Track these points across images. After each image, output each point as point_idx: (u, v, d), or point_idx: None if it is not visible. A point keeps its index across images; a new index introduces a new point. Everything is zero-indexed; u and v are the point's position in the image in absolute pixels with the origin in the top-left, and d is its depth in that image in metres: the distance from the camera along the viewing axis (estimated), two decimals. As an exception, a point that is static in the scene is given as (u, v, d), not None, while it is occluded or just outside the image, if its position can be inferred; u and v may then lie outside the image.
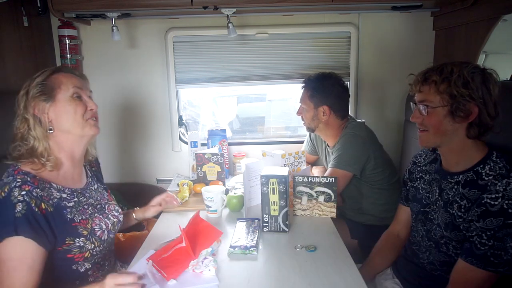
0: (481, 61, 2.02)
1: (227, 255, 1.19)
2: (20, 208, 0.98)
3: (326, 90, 1.75)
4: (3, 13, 1.66)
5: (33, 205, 1.00)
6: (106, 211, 1.25)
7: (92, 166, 1.35)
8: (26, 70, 1.83)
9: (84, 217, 1.13)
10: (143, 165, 2.26)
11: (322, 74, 1.79)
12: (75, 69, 1.23)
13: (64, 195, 1.12)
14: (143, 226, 1.78)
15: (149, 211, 1.47)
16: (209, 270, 1.08)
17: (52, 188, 1.10)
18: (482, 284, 1.02)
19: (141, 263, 1.14)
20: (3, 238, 0.97)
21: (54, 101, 1.12)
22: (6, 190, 1.00)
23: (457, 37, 1.90)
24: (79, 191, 1.19)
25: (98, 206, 1.23)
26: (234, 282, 1.05)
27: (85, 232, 1.11)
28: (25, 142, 1.10)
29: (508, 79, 1.95)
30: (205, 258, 1.12)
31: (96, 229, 1.15)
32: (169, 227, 1.43)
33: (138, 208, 1.51)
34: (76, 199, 1.15)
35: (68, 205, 1.11)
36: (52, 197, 1.08)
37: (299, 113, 1.86)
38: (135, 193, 2.13)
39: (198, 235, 1.21)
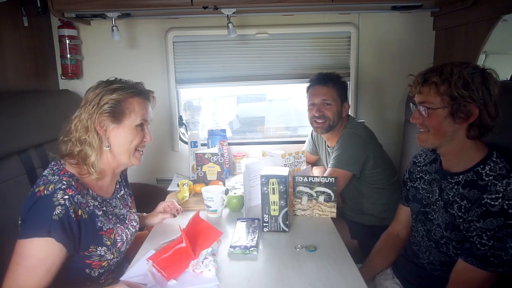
0: (481, 61, 2.02)
1: (227, 255, 1.19)
2: (59, 212, 0.99)
3: (345, 87, 1.83)
4: (3, 13, 1.66)
5: (71, 210, 1.01)
6: (127, 221, 1.26)
7: (123, 171, 1.37)
8: (26, 70, 1.83)
9: (110, 227, 1.14)
10: (143, 165, 2.21)
11: (332, 72, 1.82)
12: (150, 92, 1.22)
13: (96, 203, 1.13)
14: (143, 226, 1.78)
15: (157, 217, 1.46)
16: (209, 270, 1.07)
17: (88, 195, 1.11)
18: (482, 284, 1.02)
19: (141, 263, 1.14)
20: (35, 237, 0.97)
21: (119, 124, 1.13)
22: (50, 189, 1.01)
23: (457, 37, 1.90)
24: (107, 200, 1.20)
25: (121, 216, 1.24)
26: (234, 282, 1.05)
27: (108, 243, 1.12)
28: (79, 144, 1.11)
29: (508, 79, 1.94)
30: (205, 258, 1.12)
31: (118, 240, 1.16)
32: (169, 227, 1.43)
33: (145, 213, 1.51)
34: (104, 208, 1.16)
35: (98, 213, 1.12)
36: (89, 204, 1.09)
37: (321, 111, 1.75)
38: (135, 193, 2.12)
39: (198, 235, 1.21)
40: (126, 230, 1.22)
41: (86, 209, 1.07)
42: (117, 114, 1.12)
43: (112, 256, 1.14)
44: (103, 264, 1.12)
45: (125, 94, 1.14)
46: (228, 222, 1.48)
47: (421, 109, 1.11)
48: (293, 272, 1.09)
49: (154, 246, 1.24)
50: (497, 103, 1.05)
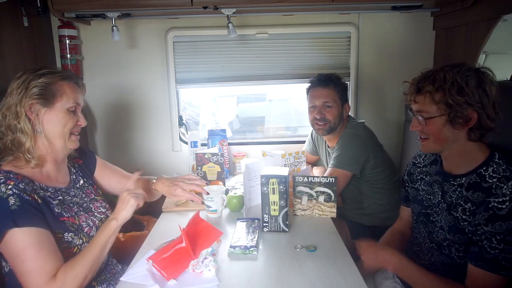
0: (481, 61, 2.02)
1: (227, 255, 1.19)
2: (13, 201, 0.98)
3: (346, 88, 1.83)
4: (3, 13, 1.66)
5: (24, 195, 1.00)
6: (93, 209, 1.25)
7: (75, 162, 1.33)
8: (26, 70, 1.83)
9: (70, 214, 1.13)
10: (143, 165, 2.25)
11: (332, 74, 1.82)
12: (79, 78, 1.22)
13: (48, 193, 1.12)
14: (143, 226, 1.78)
15: (176, 191, 1.36)
16: (209, 270, 1.08)
17: (35, 186, 1.09)
18: None
19: (141, 263, 1.14)
20: (4, 233, 0.97)
21: (51, 108, 1.12)
22: None
23: (457, 37, 1.90)
24: (63, 190, 1.19)
25: (84, 204, 1.23)
26: (234, 282, 1.05)
27: (72, 228, 1.11)
28: (10, 132, 1.09)
29: (508, 79, 1.94)
30: (205, 258, 1.12)
31: (83, 226, 1.15)
32: (169, 227, 1.43)
33: (156, 179, 1.43)
34: (60, 197, 1.15)
35: (54, 202, 1.11)
36: (37, 191, 1.08)
37: (322, 113, 1.76)
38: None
39: (198, 235, 1.21)
40: (92, 217, 1.21)
41: (37, 195, 1.05)
42: (48, 97, 1.10)
43: (81, 241, 1.12)
44: (74, 251, 1.10)
45: (54, 77, 1.12)
46: (228, 222, 1.48)
47: (419, 118, 1.10)
48: (293, 272, 1.09)
49: (154, 246, 1.24)
50: (495, 103, 1.03)
